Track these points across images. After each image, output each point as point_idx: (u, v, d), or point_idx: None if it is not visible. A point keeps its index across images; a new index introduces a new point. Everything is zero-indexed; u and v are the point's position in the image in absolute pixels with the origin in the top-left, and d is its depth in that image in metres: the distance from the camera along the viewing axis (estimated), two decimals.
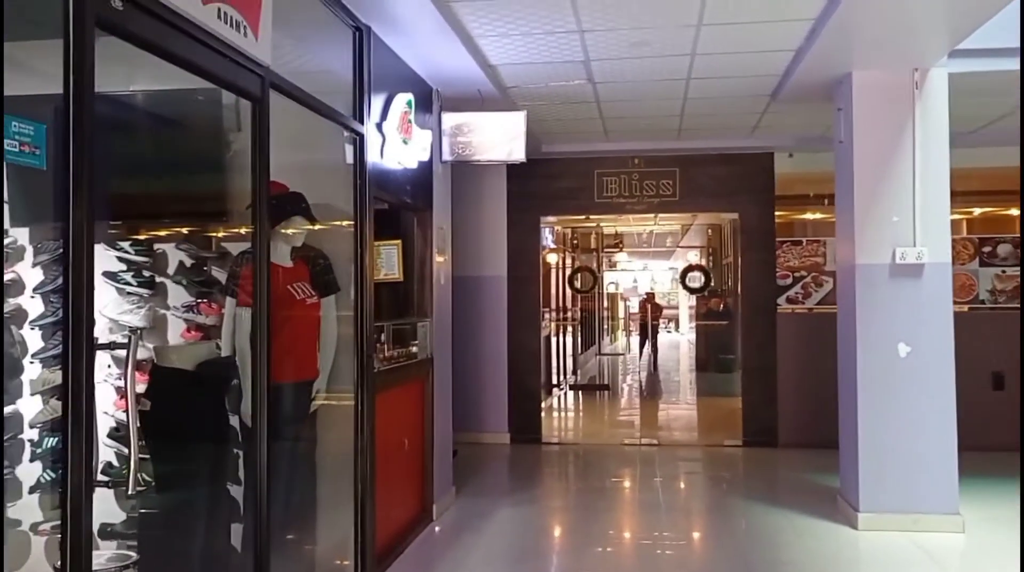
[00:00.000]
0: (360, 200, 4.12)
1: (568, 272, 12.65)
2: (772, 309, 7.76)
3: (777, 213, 7.82)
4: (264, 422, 3.05)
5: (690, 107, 6.31)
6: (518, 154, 5.60)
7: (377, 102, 4.38)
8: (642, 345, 15.94)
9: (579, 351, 14.13)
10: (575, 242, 14.31)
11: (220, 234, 4.16)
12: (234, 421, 3.48)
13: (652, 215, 11.47)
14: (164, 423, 3.11)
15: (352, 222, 4.10)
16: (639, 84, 5.67)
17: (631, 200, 8.00)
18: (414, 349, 5.12)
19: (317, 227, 3.94)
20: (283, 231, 3.71)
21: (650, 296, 16.49)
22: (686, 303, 25.38)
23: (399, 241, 5.19)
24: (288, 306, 3.70)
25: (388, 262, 5.11)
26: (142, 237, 3.79)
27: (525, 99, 6.01)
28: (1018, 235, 7.42)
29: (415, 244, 5.40)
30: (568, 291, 12.90)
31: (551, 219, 9.53)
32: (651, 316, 15.74)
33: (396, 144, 4.55)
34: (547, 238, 11.58)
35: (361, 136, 4.17)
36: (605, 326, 18.75)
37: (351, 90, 4.11)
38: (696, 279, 11.86)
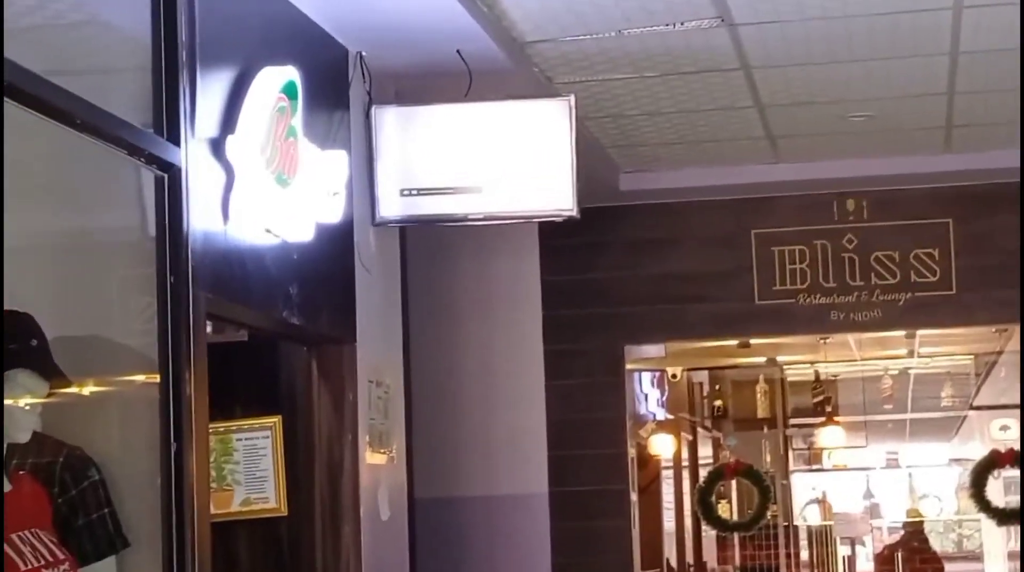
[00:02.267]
0: (174, 324, 4.19)
1: (702, 480, 12.47)
2: None
3: None
4: None
5: (971, 67, 6.38)
6: (561, 199, 5.74)
7: (212, 91, 4.51)
8: None
9: None
10: (718, 406, 14.38)
11: None
12: None
13: (901, 334, 11.42)
14: None
15: (157, 378, 4.16)
16: (842, 26, 5.77)
17: (844, 299, 8.09)
18: None
19: (69, 392, 3.98)
20: None
21: (911, 533, 16.14)
22: (1000, 546, 24.67)
23: (275, 420, 5.25)
24: None
25: (249, 473, 5.17)
26: None
27: (569, 69, 6.11)
28: None
29: (316, 425, 5.48)
30: (704, 527, 12.81)
31: (651, 352, 9.56)
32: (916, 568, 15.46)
33: (261, 185, 4.67)
34: (644, 396, 11.66)
35: (174, 171, 4.27)
36: None
37: (148, 65, 4.23)
38: (1015, 486, 11.59)
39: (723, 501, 12.57)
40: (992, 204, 8.02)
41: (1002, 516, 12.25)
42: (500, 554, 7.91)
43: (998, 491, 11.97)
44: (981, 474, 11.77)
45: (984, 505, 11.90)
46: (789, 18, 5.72)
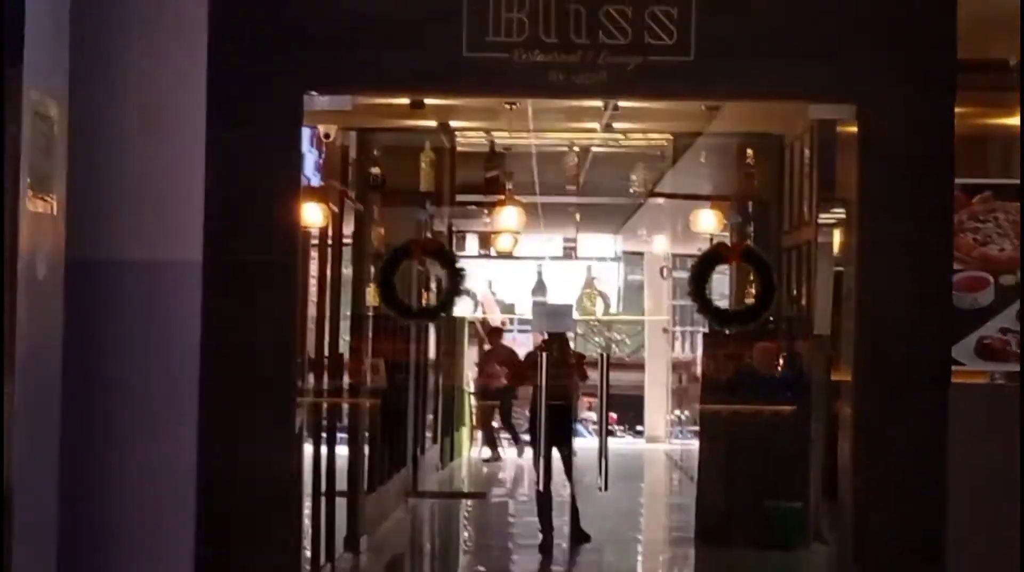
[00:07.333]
0: None
1: (387, 258, 12.85)
2: (940, 379, 7.96)
3: (960, 111, 8.03)
4: None
5: None
6: None
7: None
8: (546, 483, 15.96)
9: (366, 483, 14.63)
10: (374, 175, 14.38)
11: None
12: None
13: (598, 105, 11.50)
14: None
15: None
16: None
17: (565, 58, 8.11)
18: None
19: None
20: None
21: (549, 341, 16.45)
22: (664, 350, 25.50)
23: None
24: None
25: None
26: None
27: None
28: None
29: None
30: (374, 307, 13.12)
31: (327, 104, 9.31)
32: (554, 382, 15.78)
33: None
34: (310, 158, 11.63)
35: None
36: (441, 408, 19.33)
37: None
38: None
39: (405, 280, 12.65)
40: None
41: (723, 318, 12.79)
42: (152, 331, 7.83)
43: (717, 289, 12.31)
44: (704, 269, 12.10)
45: (704, 305, 12.37)
46: None
